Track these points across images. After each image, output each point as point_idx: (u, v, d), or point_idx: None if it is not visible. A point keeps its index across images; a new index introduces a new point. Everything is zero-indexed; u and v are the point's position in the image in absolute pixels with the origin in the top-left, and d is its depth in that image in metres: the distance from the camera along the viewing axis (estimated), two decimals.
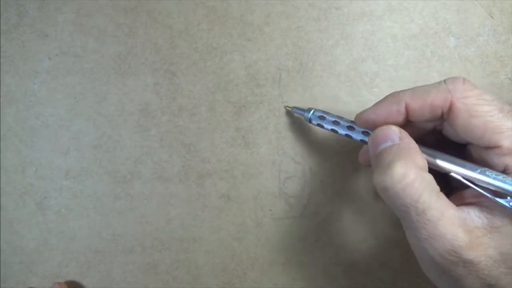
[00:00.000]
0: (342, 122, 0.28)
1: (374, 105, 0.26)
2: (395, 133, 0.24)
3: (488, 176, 0.22)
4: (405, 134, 0.24)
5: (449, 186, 0.25)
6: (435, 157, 0.24)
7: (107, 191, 0.33)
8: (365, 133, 0.27)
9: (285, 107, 0.32)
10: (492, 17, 0.32)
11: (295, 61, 0.32)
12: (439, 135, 0.26)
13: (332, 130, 0.28)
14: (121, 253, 0.33)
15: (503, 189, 0.22)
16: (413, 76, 0.32)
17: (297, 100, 0.32)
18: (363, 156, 0.29)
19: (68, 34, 0.33)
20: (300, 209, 0.33)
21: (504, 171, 0.22)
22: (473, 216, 0.22)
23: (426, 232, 0.21)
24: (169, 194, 0.33)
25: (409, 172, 0.21)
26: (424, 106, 0.24)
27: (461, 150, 0.25)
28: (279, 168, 0.33)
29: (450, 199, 0.22)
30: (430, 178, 0.22)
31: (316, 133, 0.32)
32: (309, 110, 0.29)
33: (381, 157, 0.23)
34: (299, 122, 0.32)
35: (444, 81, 0.24)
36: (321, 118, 0.29)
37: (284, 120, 0.33)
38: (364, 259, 0.33)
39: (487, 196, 0.22)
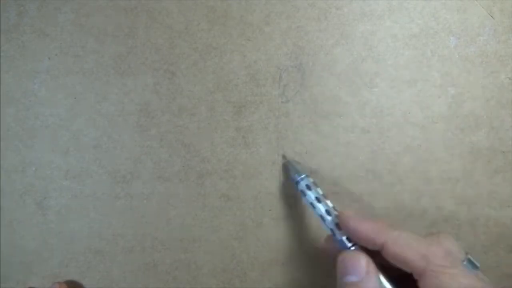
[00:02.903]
0: (322, 202, 0.28)
1: (361, 218, 0.26)
2: (361, 267, 0.24)
3: None
4: (371, 270, 0.24)
5: None
6: None
7: (107, 191, 0.33)
8: (337, 227, 0.26)
9: (283, 156, 0.32)
10: (492, 17, 0.32)
11: (295, 61, 0.32)
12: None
13: (311, 204, 0.28)
14: (121, 253, 0.33)
15: None
16: (413, 76, 0.32)
17: (297, 100, 0.32)
18: (326, 244, 0.29)
19: (68, 34, 0.33)
20: (300, 209, 0.33)
21: None
22: None
23: None
24: (169, 194, 0.33)
25: None
26: (398, 256, 0.24)
27: None
28: (279, 168, 0.33)
29: None
30: None
31: (316, 133, 0.32)
32: (300, 174, 0.29)
33: None
34: (299, 122, 0.32)
35: (428, 244, 0.23)
36: (308, 187, 0.28)
37: (284, 120, 0.33)
38: None
39: None
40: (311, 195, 0.28)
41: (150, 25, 0.33)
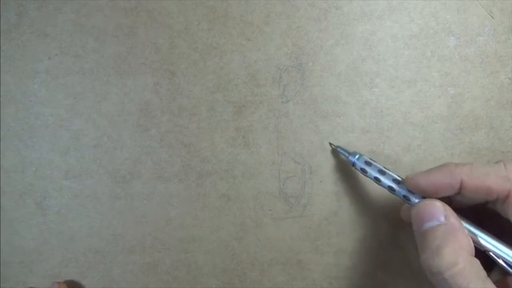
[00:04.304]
0: (387, 173, 0.28)
1: (427, 171, 0.25)
2: (440, 211, 0.23)
3: None
4: (450, 213, 0.24)
5: (490, 261, 0.24)
6: (477, 235, 0.24)
7: (107, 191, 0.33)
8: (410, 192, 0.26)
9: (330, 144, 0.32)
10: (492, 17, 0.32)
11: (295, 61, 0.32)
12: (486, 207, 0.26)
13: (376, 178, 0.28)
14: (121, 253, 0.33)
15: None
16: (413, 76, 0.32)
17: (297, 100, 0.32)
18: (406, 213, 0.29)
19: (68, 34, 0.33)
20: (300, 209, 0.33)
21: None
22: None
23: None
24: (169, 194, 0.33)
25: (459, 259, 0.21)
26: (480, 188, 0.23)
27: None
28: (279, 168, 0.33)
29: (492, 278, 0.22)
30: (477, 264, 0.22)
31: (316, 133, 0.32)
32: (354, 154, 0.29)
33: (428, 238, 0.23)
34: (299, 122, 0.32)
35: (504, 164, 0.23)
36: (367, 164, 0.29)
37: (284, 120, 0.33)
38: (364, 259, 0.33)
39: None
40: (373, 168, 0.28)
41: (150, 25, 0.33)
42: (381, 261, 0.32)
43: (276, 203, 0.33)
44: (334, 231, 0.33)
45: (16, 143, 0.33)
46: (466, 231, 0.23)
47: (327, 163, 0.32)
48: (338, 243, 0.33)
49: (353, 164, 0.29)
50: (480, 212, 0.26)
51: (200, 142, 0.33)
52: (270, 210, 0.33)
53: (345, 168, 0.32)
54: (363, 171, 0.29)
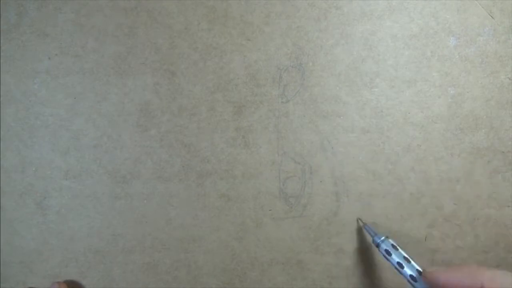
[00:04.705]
0: (412, 263, 0.27)
1: (450, 269, 0.25)
2: None
3: None
4: None
5: None
6: None
7: (107, 191, 0.33)
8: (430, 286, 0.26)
9: (358, 220, 0.32)
10: (492, 17, 0.32)
11: (295, 61, 0.32)
12: None
13: (398, 264, 0.28)
14: (121, 253, 0.33)
15: None
16: (413, 76, 0.32)
17: (297, 100, 0.32)
18: None
19: (68, 34, 0.33)
20: (300, 209, 0.33)
21: None
22: None
23: None
24: (169, 194, 0.33)
25: None
26: None
27: None
28: (279, 168, 0.33)
29: None
30: None
31: (316, 133, 0.32)
32: (380, 236, 0.29)
33: None
34: (299, 122, 0.32)
35: None
36: (393, 248, 0.28)
37: (284, 120, 0.33)
38: (364, 259, 0.33)
39: None
40: (397, 256, 0.28)
41: (150, 25, 0.33)
42: (381, 261, 0.32)
43: (276, 203, 0.33)
44: (334, 231, 0.33)
45: (16, 143, 0.33)
46: None
47: (327, 163, 0.32)
48: (338, 243, 0.33)
49: (378, 246, 0.29)
50: None
51: (200, 142, 0.33)
52: (270, 210, 0.33)
53: (345, 168, 0.32)
54: (387, 253, 0.28)
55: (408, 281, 0.27)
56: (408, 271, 0.27)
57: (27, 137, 0.33)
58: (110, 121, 0.33)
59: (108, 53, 0.33)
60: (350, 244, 0.33)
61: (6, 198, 0.33)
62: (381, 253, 0.29)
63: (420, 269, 0.27)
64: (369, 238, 0.31)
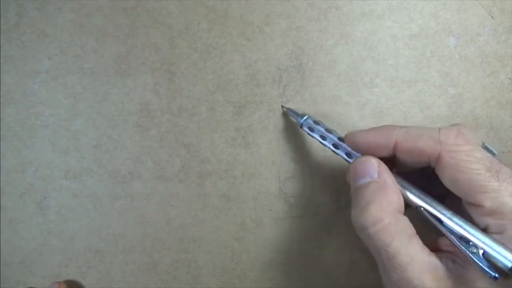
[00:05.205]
0: (330, 136, 0.28)
1: (367, 130, 0.26)
2: (373, 167, 0.24)
3: (454, 221, 0.22)
4: (383, 169, 0.24)
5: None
6: (406, 190, 0.24)
7: (107, 191, 0.33)
8: (348, 154, 0.27)
9: (282, 106, 0.32)
10: (492, 17, 0.32)
11: (295, 61, 0.32)
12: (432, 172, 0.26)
13: (321, 137, 0.29)
14: (121, 253, 0.33)
15: (465, 237, 0.22)
16: (413, 76, 0.32)
17: (297, 100, 0.32)
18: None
19: (68, 34, 0.33)
20: (300, 209, 0.33)
21: (485, 230, 0.22)
22: (445, 265, 0.22)
23: (396, 275, 0.21)
24: (169, 194, 0.33)
25: (384, 216, 0.22)
26: (412, 150, 0.24)
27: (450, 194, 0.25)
28: (279, 168, 0.33)
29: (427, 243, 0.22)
30: (404, 221, 0.22)
31: None
32: (302, 115, 0.30)
33: (359, 194, 0.23)
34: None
35: (439, 129, 0.24)
36: (315, 124, 0.29)
37: (284, 120, 0.33)
38: (364, 259, 0.33)
39: (451, 240, 0.22)
40: (320, 128, 0.29)
41: (150, 25, 0.33)
42: None
43: (276, 203, 0.33)
44: (334, 231, 0.33)
45: (16, 143, 0.33)
46: (398, 189, 0.23)
47: (327, 163, 0.32)
48: (338, 243, 0.33)
49: (301, 126, 0.30)
50: (429, 177, 0.26)
51: (200, 142, 0.33)
52: (270, 210, 0.33)
53: (345, 168, 0.32)
54: (310, 130, 0.29)
55: (332, 150, 0.28)
56: (330, 140, 0.28)
57: (27, 137, 0.33)
58: (110, 121, 0.33)
59: (108, 53, 0.33)
60: (350, 244, 0.33)
61: (6, 198, 0.33)
62: (305, 131, 0.29)
63: (341, 136, 0.28)
64: None
